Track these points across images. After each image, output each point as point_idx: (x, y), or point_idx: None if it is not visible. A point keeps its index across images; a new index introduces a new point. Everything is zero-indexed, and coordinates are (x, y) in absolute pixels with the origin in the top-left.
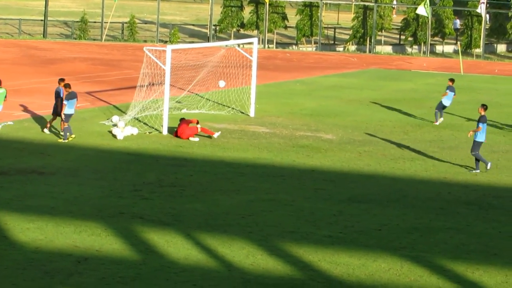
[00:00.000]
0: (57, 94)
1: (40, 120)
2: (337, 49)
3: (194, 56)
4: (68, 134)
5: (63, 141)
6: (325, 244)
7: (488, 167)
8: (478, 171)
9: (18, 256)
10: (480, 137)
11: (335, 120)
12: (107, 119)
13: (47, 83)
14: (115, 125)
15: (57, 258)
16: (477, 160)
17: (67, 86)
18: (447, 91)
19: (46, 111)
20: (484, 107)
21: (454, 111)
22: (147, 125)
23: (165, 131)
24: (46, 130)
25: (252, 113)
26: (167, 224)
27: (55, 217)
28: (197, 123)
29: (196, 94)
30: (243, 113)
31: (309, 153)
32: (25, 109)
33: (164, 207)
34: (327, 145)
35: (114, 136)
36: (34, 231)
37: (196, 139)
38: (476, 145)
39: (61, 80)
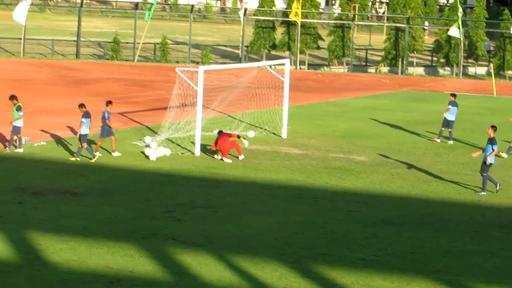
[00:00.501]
0: (103, 116)
1: (73, 140)
2: (369, 70)
3: (226, 77)
4: (93, 154)
5: (93, 160)
6: (358, 267)
7: (498, 188)
8: (484, 193)
9: (51, 276)
10: (491, 159)
11: (367, 142)
12: (140, 140)
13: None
14: (147, 145)
15: (90, 279)
16: (485, 181)
17: (81, 106)
18: (450, 106)
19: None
20: (494, 128)
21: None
22: (179, 146)
23: (197, 152)
24: (97, 153)
25: (284, 135)
26: (199, 245)
27: (88, 237)
28: (238, 137)
29: (228, 115)
30: (275, 134)
31: (342, 175)
32: (58, 130)
33: (196, 228)
34: (359, 167)
35: (147, 156)
36: (67, 252)
37: (229, 160)
38: (488, 166)
39: (109, 102)
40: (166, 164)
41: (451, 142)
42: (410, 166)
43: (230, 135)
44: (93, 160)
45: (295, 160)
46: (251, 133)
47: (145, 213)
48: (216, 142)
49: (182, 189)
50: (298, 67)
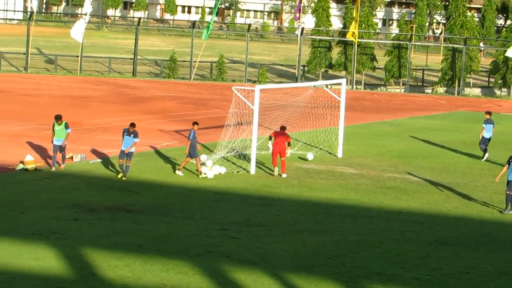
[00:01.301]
0: (189, 136)
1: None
2: (426, 90)
3: (282, 96)
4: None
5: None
6: (412, 287)
7: None
8: (510, 211)
9: None
10: None
11: (423, 162)
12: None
13: (136, 121)
14: (203, 164)
15: None
16: (508, 201)
17: (132, 125)
18: (484, 125)
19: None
20: None
21: None
22: (235, 164)
23: (253, 171)
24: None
25: (340, 154)
26: (254, 263)
27: (143, 254)
28: (289, 144)
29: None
30: (330, 153)
31: (397, 194)
32: (114, 147)
33: (251, 246)
34: (415, 187)
35: (203, 174)
36: (122, 269)
37: (284, 175)
38: None
39: (195, 123)
40: (221, 182)
41: (484, 157)
42: (465, 186)
43: (288, 138)
44: (120, 176)
45: (350, 180)
46: (310, 156)
47: (199, 230)
48: (274, 135)
49: (237, 207)
50: (354, 86)
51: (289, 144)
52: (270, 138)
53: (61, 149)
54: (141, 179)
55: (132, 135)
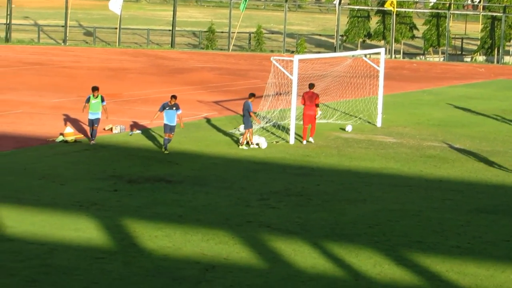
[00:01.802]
0: (247, 108)
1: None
2: (465, 59)
3: (320, 66)
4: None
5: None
6: (453, 255)
7: None
8: None
9: (146, 263)
10: None
11: (462, 130)
12: (235, 128)
13: (175, 93)
14: (242, 134)
15: (185, 265)
16: None
17: (173, 97)
18: None
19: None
20: None
21: None
22: (274, 134)
23: (292, 141)
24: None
25: (379, 123)
26: (294, 233)
27: (183, 225)
28: (317, 105)
29: (323, 104)
30: (370, 123)
31: (437, 163)
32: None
33: (291, 216)
34: (454, 156)
35: (258, 144)
36: (162, 239)
37: (311, 139)
38: None
39: (252, 95)
40: (261, 152)
41: None
42: (505, 154)
43: (317, 99)
44: (164, 150)
45: (389, 149)
46: (349, 127)
47: (239, 200)
48: (304, 101)
49: (276, 177)
50: (393, 56)
51: (317, 105)
52: (303, 105)
53: (96, 122)
54: (180, 150)
55: (174, 108)
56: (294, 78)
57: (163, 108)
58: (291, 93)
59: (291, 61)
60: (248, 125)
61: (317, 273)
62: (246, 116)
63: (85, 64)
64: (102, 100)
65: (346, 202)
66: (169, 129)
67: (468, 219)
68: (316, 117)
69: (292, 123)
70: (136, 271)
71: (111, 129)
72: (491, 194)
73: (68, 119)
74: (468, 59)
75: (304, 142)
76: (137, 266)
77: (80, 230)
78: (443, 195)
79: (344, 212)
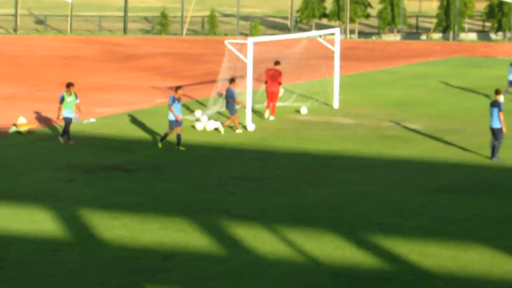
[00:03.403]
0: (230, 95)
1: (122, 117)
2: (421, 37)
3: (275, 48)
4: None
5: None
6: (414, 236)
7: None
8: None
9: (104, 253)
10: None
11: (420, 109)
12: (190, 114)
13: (129, 79)
14: (197, 119)
15: (143, 255)
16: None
17: (179, 88)
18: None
19: (128, 107)
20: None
21: None
22: (225, 117)
23: (249, 126)
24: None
25: (336, 105)
26: (253, 218)
27: (140, 213)
28: (279, 84)
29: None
30: (327, 104)
31: (395, 143)
32: (107, 106)
33: (249, 201)
34: (413, 135)
35: (216, 129)
36: (119, 228)
37: (272, 117)
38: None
39: (232, 80)
40: (217, 137)
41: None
42: (463, 133)
43: (279, 77)
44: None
45: (347, 130)
46: (304, 110)
47: (197, 187)
48: (267, 78)
49: (234, 162)
50: (348, 36)
51: (279, 83)
52: (265, 83)
53: (69, 121)
54: (136, 138)
55: (180, 101)
56: (249, 61)
57: (173, 101)
58: (246, 77)
59: (246, 44)
60: (233, 111)
61: (278, 259)
62: (231, 103)
63: (37, 53)
64: (76, 97)
65: (305, 186)
66: (174, 124)
67: (428, 199)
68: (279, 96)
69: (248, 108)
70: (94, 263)
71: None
72: (450, 173)
73: (21, 110)
74: (424, 37)
75: (266, 115)
76: (94, 257)
77: (36, 222)
78: (402, 176)
79: (303, 196)
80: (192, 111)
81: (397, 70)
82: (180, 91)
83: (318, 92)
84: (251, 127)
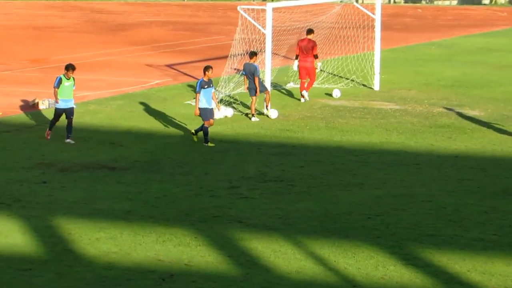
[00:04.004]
0: (253, 71)
1: (109, 102)
2: (482, 1)
3: (301, 16)
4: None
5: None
6: (475, 250)
7: None
8: None
9: (86, 273)
10: None
11: (482, 91)
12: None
13: (117, 55)
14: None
15: (135, 275)
16: None
17: (208, 68)
18: None
19: (117, 90)
20: None
21: None
22: (244, 104)
23: (272, 113)
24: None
25: (376, 86)
26: (273, 229)
27: (132, 223)
28: (316, 57)
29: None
30: (365, 86)
31: (451, 134)
32: (90, 88)
33: (269, 207)
34: (473, 124)
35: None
36: (105, 242)
37: (305, 93)
38: None
39: (253, 53)
40: (228, 127)
41: None
42: None
43: (314, 49)
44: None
45: (391, 118)
46: (336, 92)
47: (202, 190)
48: (299, 50)
49: (249, 159)
50: (392, 0)
51: (316, 57)
52: (296, 58)
53: (71, 113)
54: (126, 128)
55: (211, 85)
56: (268, 32)
57: (200, 87)
58: (264, 52)
59: (264, 10)
60: (263, 87)
61: (304, 280)
62: (252, 82)
63: (3, 23)
64: (74, 84)
65: (338, 188)
66: (210, 113)
67: (492, 204)
68: (317, 70)
69: (268, 89)
70: (73, 285)
71: (37, 104)
72: None
73: None
74: (486, 1)
75: (302, 99)
76: (74, 279)
77: (1, 234)
78: (460, 175)
79: (336, 201)
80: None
81: (453, 43)
82: (209, 72)
83: (355, 70)
84: (273, 114)
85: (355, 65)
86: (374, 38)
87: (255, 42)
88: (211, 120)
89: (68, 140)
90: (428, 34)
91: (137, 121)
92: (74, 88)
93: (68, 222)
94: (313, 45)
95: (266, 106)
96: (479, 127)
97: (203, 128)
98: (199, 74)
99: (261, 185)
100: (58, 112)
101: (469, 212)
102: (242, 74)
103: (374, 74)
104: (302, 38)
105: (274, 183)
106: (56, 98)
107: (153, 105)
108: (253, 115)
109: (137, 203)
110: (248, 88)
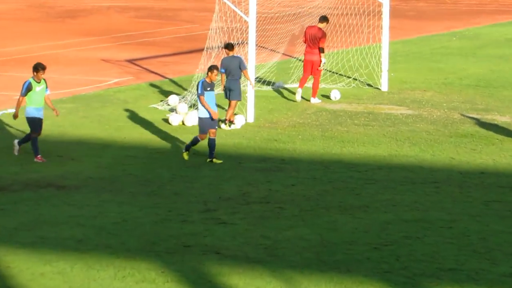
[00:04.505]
0: (237, 65)
1: (56, 105)
2: None
3: (292, 0)
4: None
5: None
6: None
7: None
8: None
9: None
10: None
11: None
12: (161, 101)
13: (67, 48)
14: (173, 109)
15: None
16: None
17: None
18: None
19: (66, 91)
20: None
21: None
22: (223, 108)
23: (251, 117)
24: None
25: (384, 86)
26: (258, 261)
27: (85, 254)
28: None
29: (297, 59)
30: (370, 86)
31: (476, 146)
32: None
33: (252, 235)
34: (503, 133)
35: (170, 123)
36: (52, 278)
37: (314, 100)
38: None
39: (230, 46)
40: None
41: None
42: None
43: (322, 40)
44: (187, 157)
45: (402, 125)
46: (335, 94)
47: (172, 214)
48: (305, 37)
49: (228, 176)
50: None
51: (322, 51)
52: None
53: (40, 124)
54: (77, 138)
55: (213, 89)
56: (252, 20)
57: (203, 89)
58: (247, 44)
59: None
60: (252, 84)
61: None
62: (234, 81)
63: None
64: (46, 87)
65: (337, 211)
66: (210, 124)
67: None
68: (320, 66)
69: (250, 90)
70: None
71: None
72: None
73: None
74: None
75: (297, 96)
76: None
77: None
78: (487, 196)
79: (334, 227)
80: (165, 97)
81: (479, 32)
82: (212, 74)
83: (357, 67)
84: (239, 120)
85: (358, 60)
86: (382, 27)
87: (236, 32)
88: (213, 130)
89: (38, 159)
90: (447, 23)
91: (90, 129)
92: (48, 92)
93: (6, 253)
94: (322, 35)
95: (229, 119)
96: (510, 137)
97: (208, 139)
98: (167, 71)
99: (243, 208)
100: (34, 120)
101: (498, 242)
102: (220, 72)
103: (381, 71)
104: (312, 25)
105: (259, 205)
106: (17, 111)
107: (111, 110)
108: (231, 121)
109: (90, 230)
110: (225, 89)
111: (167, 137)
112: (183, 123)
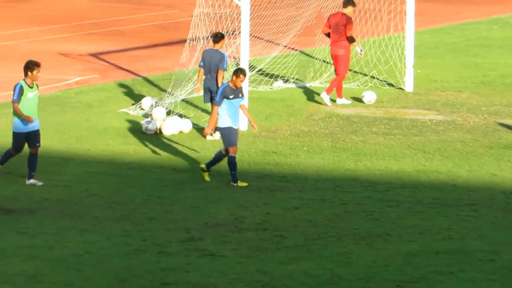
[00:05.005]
0: (217, 62)
1: (3, 110)
2: None
3: None
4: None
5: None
6: None
7: None
8: None
9: None
10: None
11: None
12: (133, 105)
13: (18, 39)
14: (147, 115)
15: None
16: None
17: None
18: None
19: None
20: None
21: None
22: (207, 112)
23: (243, 125)
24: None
25: (409, 86)
26: None
27: None
28: (351, 40)
29: (301, 51)
30: (392, 85)
31: None
32: None
33: (246, 270)
34: None
35: (145, 131)
36: None
37: (340, 100)
38: None
39: (218, 36)
40: (184, 149)
41: None
42: None
43: (349, 26)
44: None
45: (431, 134)
46: (370, 97)
47: (146, 243)
48: (328, 25)
49: (216, 196)
50: None
51: (352, 40)
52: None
53: (37, 137)
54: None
55: (240, 95)
56: (245, 5)
57: (222, 96)
58: (239, 34)
59: None
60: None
61: None
62: (213, 80)
63: None
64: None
65: (351, 241)
66: (236, 135)
67: None
68: (360, 57)
69: (245, 89)
70: None
71: None
72: None
73: None
74: None
75: (325, 99)
76: None
77: None
78: None
79: (348, 260)
80: (137, 100)
81: None
82: (240, 78)
83: (375, 62)
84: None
85: (376, 53)
86: (406, 13)
87: (225, 19)
88: (234, 147)
89: (32, 181)
90: (487, 7)
91: (46, 139)
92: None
93: None
94: (347, 22)
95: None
96: None
97: (227, 158)
98: (140, 66)
99: (234, 236)
100: (19, 139)
101: None
102: (199, 65)
103: (405, 67)
104: (335, 12)
105: (254, 233)
106: (22, 114)
107: (71, 115)
108: (213, 130)
109: (46, 263)
110: (204, 89)
111: (138, 148)
112: (160, 132)
